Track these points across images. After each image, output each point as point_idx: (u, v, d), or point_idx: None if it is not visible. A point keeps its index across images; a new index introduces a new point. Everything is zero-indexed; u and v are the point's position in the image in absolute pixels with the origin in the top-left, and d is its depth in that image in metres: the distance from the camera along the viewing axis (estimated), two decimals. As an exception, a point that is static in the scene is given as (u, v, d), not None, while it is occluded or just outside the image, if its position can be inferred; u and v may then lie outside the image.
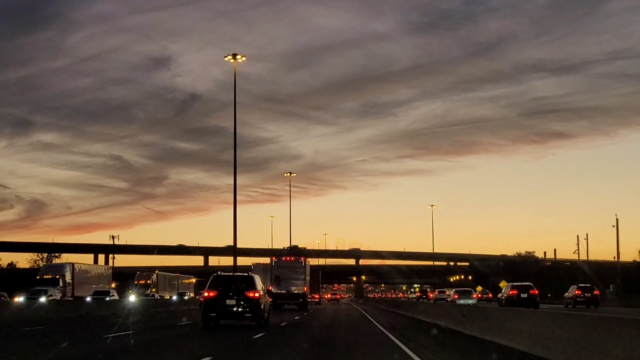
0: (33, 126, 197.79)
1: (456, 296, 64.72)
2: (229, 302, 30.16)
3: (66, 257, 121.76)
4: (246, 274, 32.76)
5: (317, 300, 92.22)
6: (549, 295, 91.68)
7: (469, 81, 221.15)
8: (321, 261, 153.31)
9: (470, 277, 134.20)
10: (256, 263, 76.76)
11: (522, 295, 54.57)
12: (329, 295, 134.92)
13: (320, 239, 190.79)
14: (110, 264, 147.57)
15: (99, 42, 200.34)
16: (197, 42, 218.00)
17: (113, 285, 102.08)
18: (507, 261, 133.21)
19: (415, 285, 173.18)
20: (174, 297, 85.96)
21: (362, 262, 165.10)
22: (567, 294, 64.40)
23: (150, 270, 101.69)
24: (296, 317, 42.00)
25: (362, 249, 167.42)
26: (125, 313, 47.01)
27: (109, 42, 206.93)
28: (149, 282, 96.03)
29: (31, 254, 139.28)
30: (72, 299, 70.17)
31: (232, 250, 67.10)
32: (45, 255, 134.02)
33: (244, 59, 63.11)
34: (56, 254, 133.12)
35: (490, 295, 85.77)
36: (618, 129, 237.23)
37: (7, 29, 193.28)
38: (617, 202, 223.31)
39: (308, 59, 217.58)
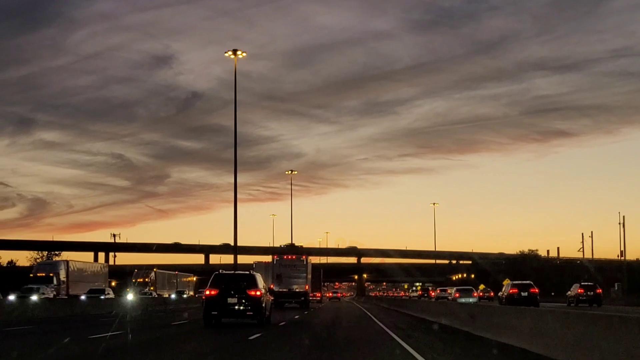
0: (35, 124, 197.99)
1: (457, 295, 64.81)
2: (230, 300, 30.12)
3: (66, 255, 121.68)
4: (248, 272, 32.78)
5: (318, 298, 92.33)
6: (553, 293, 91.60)
7: (471, 79, 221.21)
8: (322, 259, 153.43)
9: (472, 276, 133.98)
10: (258, 261, 76.79)
11: (523, 294, 54.78)
12: (329, 294, 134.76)
13: (321, 238, 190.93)
14: (112, 262, 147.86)
15: (100, 40, 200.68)
16: (199, 41, 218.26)
17: (113, 284, 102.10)
18: (509, 259, 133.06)
19: (417, 284, 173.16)
20: (173, 296, 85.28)
21: (363, 260, 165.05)
22: (569, 292, 64.45)
23: (148, 268, 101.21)
24: (296, 317, 41.77)
25: (363, 247, 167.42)
26: (120, 312, 46.41)
27: (110, 41, 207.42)
28: (147, 280, 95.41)
29: (31, 252, 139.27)
30: (66, 297, 69.09)
31: (228, 248, 67.18)
32: (45, 253, 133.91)
33: (244, 54, 63.19)
34: (56, 252, 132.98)
35: (492, 294, 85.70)
36: (620, 127, 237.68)
37: (9, 27, 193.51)
38: (619, 201, 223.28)
39: (310, 57, 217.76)
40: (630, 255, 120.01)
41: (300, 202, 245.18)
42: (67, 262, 79.70)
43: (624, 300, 71.29)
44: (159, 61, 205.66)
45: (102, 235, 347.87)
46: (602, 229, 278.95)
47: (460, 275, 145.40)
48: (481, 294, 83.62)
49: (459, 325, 27.21)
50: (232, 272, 34.96)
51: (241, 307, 30.16)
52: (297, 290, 62.45)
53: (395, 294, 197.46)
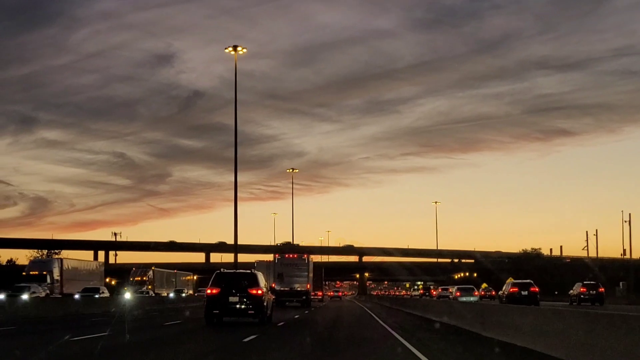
0: (37, 123, 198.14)
1: (458, 293, 64.91)
2: (231, 299, 30.13)
3: (66, 254, 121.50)
4: (249, 271, 32.80)
5: (320, 297, 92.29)
6: (556, 292, 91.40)
7: (473, 78, 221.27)
8: (324, 258, 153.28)
9: (475, 274, 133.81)
10: (260, 260, 76.83)
11: (523, 293, 54.97)
12: (331, 293, 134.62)
13: (323, 236, 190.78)
14: (113, 260, 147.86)
15: (102, 39, 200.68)
16: (201, 39, 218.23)
17: (113, 282, 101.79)
18: (512, 258, 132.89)
19: (419, 283, 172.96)
20: (171, 295, 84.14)
21: (365, 259, 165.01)
22: (572, 291, 64.51)
23: (147, 266, 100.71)
24: (296, 316, 41.44)
25: (365, 246, 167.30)
26: (114, 311, 45.60)
27: (112, 39, 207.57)
28: (144, 278, 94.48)
29: (31, 250, 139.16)
30: (60, 296, 67.66)
31: (224, 246, 67.12)
32: (45, 252, 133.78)
33: (244, 50, 63.06)
34: (56, 251, 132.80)
35: (494, 293, 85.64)
36: (623, 126, 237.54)
37: (11, 26, 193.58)
38: (622, 200, 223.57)
39: (311, 56, 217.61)
40: (635, 254, 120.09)
41: (302, 200, 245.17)
42: (60, 260, 78.41)
43: (628, 299, 71.15)
44: (160, 60, 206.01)
45: (103, 234, 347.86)
46: (604, 228, 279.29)
47: (462, 274, 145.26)
48: (483, 292, 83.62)
49: (461, 324, 27.18)
50: (234, 270, 34.91)
51: (243, 306, 30.16)
52: (298, 289, 62.39)
53: (397, 293, 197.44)
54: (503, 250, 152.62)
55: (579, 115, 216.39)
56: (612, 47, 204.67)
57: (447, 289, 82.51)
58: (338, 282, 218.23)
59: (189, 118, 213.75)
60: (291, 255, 66.50)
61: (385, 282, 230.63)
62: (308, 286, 63.25)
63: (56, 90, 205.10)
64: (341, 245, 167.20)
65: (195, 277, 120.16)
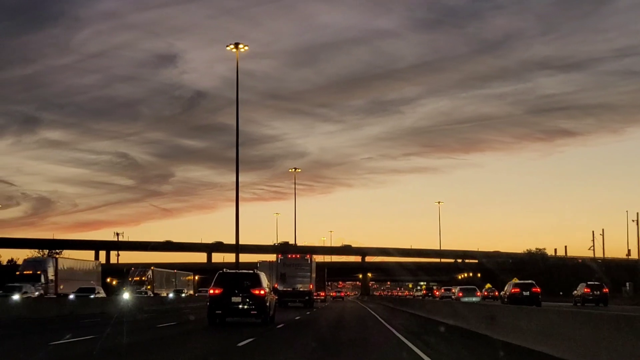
0: (39, 123, 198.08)
1: (460, 294, 64.84)
2: (234, 299, 30.07)
3: (67, 254, 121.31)
4: (252, 272, 32.73)
5: (322, 297, 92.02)
6: (561, 293, 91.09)
7: (475, 78, 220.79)
8: (327, 258, 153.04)
9: (478, 275, 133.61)
10: (262, 260, 76.58)
11: (525, 293, 54.99)
12: (333, 294, 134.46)
13: (325, 237, 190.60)
14: (115, 260, 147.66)
15: (105, 39, 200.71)
16: (203, 39, 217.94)
17: (114, 282, 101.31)
18: (516, 258, 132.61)
19: (422, 283, 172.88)
20: (170, 295, 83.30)
21: (367, 259, 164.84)
22: (576, 291, 64.23)
23: (146, 266, 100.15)
24: (297, 317, 40.80)
25: (367, 246, 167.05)
26: (109, 312, 44.85)
27: (115, 39, 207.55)
28: (144, 278, 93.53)
29: (32, 250, 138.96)
30: (55, 296, 66.47)
31: (222, 246, 66.86)
32: (46, 251, 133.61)
33: (246, 48, 62.88)
34: (57, 250, 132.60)
35: (497, 293, 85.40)
36: (625, 127, 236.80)
37: (13, 26, 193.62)
38: (625, 200, 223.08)
39: (314, 56, 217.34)
40: (634, 255, 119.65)
41: (305, 201, 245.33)
42: (55, 259, 77.42)
43: (633, 300, 70.79)
44: (163, 60, 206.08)
45: (106, 235, 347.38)
46: (608, 228, 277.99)
47: (465, 275, 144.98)
48: (486, 293, 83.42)
49: (467, 326, 27.01)
50: (236, 271, 34.76)
51: (245, 306, 30.08)
52: (301, 289, 62.26)
53: (400, 293, 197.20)
54: (506, 251, 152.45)
55: (581, 115, 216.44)
56: (614, 48, 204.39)
57: (449, 290, 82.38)
58: (340, 283, 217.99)
59: (191, 118, 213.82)
60: (294, 256, 66.38)
61: (388, 283, 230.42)
62: (311, 287, 63.08)
63: (58, 90, 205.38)
64: (343, 245, 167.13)
65: (196, 277, 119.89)
